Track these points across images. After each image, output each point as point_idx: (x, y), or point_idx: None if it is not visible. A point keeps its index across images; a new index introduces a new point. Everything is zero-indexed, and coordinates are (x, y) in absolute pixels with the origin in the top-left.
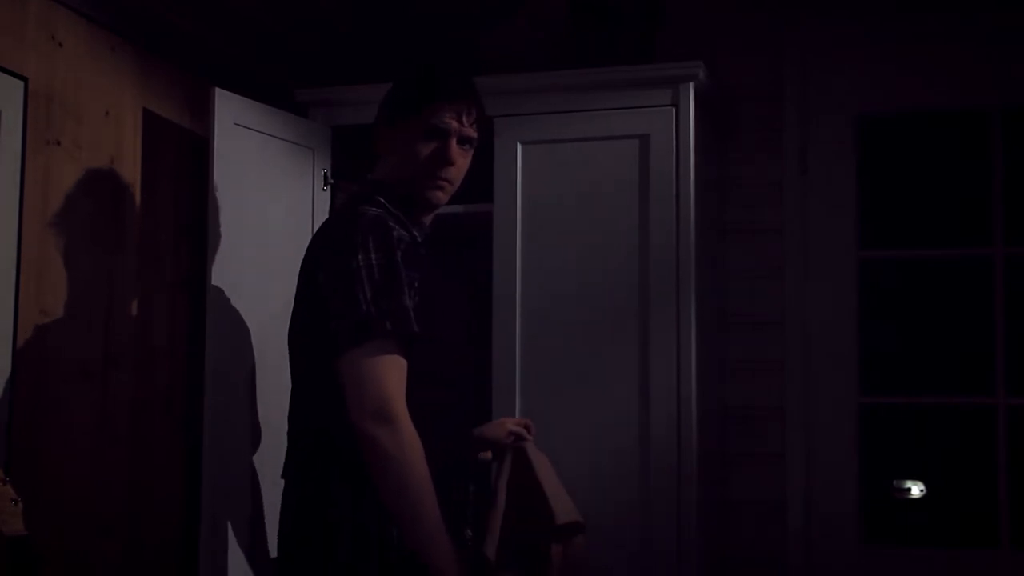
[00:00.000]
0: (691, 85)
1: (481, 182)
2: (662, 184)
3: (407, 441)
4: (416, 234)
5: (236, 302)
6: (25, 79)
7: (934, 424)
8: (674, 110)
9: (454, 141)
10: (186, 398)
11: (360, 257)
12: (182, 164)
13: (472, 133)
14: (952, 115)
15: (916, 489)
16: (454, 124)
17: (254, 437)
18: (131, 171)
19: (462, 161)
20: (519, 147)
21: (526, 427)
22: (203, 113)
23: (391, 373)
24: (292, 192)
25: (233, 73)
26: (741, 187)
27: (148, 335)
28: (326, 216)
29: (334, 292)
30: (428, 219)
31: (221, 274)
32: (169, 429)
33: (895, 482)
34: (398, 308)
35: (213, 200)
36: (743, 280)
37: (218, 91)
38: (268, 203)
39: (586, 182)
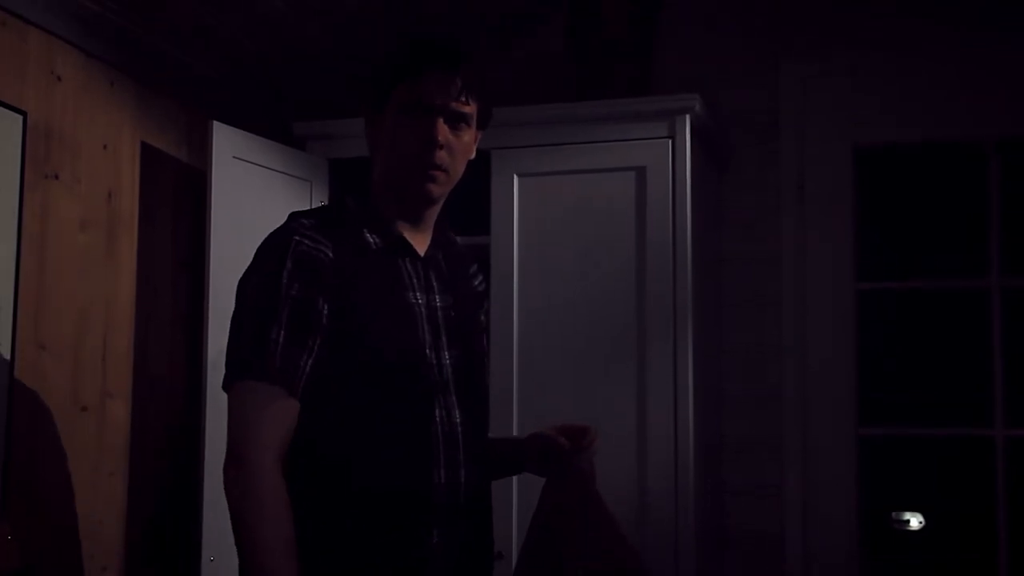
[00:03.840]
0: (687, 117)
1: (478, 215)
2: (659, 216)
3: (253, 492)
4: (373, 240)
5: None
6: (24, 113)
7: (933, 456)
8: (670, 142)
9: (441, 119)
10: (184, 431)
11: (250, 283)
12: (180, 197)
13: (464, 108)
14: (949, 146)
15: (915, 521)
16: (438, 98)
17: None
18: (129, 204)
19: (455, 142)
20: (516, 180)
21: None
22: (201, 146)
23: (253, 414)
24: None
25: (231, 106)
26: (738, 218)
27: (146, 368)
28: None
29: (231, 322)
30: (428, 217)
31: (219, 307)
32: (167, 462)
33: (894, 514)
34: (268, 345)
35: (211, 233)
36: (741, 310)
37: (216, 124)
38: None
39: (583, 214)
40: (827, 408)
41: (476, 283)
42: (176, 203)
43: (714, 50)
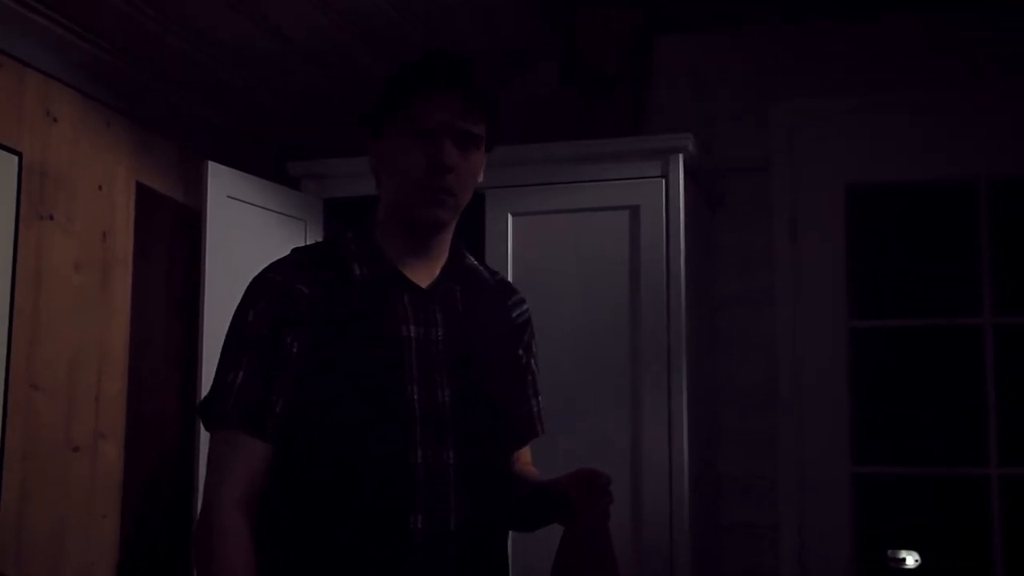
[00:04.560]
0: (680, 157)
1: (472, 254)
2: (652, 254)
3: (211, 535)
4: (361, 272)
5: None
6: (19, 153)
7: (928, 494)
8: (664, 181)
9: (448, 140)
10: (178, 472)
11: (230, 327)
12: (175, 236)
13: (472, 127)
14: (940, 185)
15: (911, 559)
16: (444, 118)
17: None
18: (123, 244)
19: (463, 164)
20: (510, 218)
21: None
22: (196, 186)
23: (215, 461)
24: None
25: (226, 146)
26: (732, 256)
27: (139, 408)
28: None
29: None
30: (437, 245)
31: (213, 347)
32: (160, 504)
33: (890, 552)
34: (225, 389)
35: (205, 272)
36: (735, 348)
37: (211, 164)
38: None
39: (577, 253)
40: (822, 446)
41: (515, 315)
42: (171, 243)
43: (707, 90)
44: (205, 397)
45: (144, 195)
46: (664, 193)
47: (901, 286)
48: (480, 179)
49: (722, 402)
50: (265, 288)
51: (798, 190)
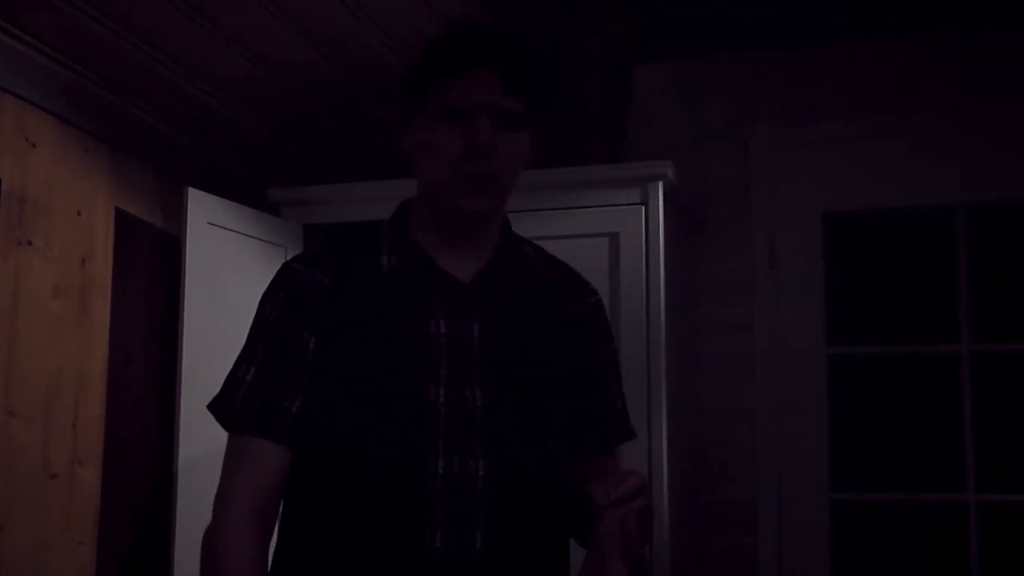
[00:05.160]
0: (660, 184)
1: None
2: (633, 281)
3: (215, 548)
4: (388, 263)
5: (207, 401)
6: None
7: (907, 520)
8: (643, 208)
9: (485, 119)
10: (156, 499)
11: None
12: (154, 262)
13: (512, 105)
14: (918, 212)
15: None
16: (479, 96)
17: None
18: (102, 270)
19: (504, 146)
20: None
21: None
22: (176, 211)
23: (225, 467)
24: (264, 290)
25: (206, 172)
26: (712, 283)
27: (117, 434)
28: None
29: None
30: (481, 237)
31: (193, 374)
32: (138, 531)
33: None
34: (237, 389)
35: (185, 298)
36: (714, 374)
37: (191, 190)
38: (241, 301)
39: None
40: (801, 472)
41: (577, 308)
42: (150, 269)
43: (687, 117)
44: (217, 394)
45: (123, 221)
46: (644, 220)
47: (879, 313)
48: (529, 159)
49: (702, 427)
50: (285, 278)
51: (777, 217)
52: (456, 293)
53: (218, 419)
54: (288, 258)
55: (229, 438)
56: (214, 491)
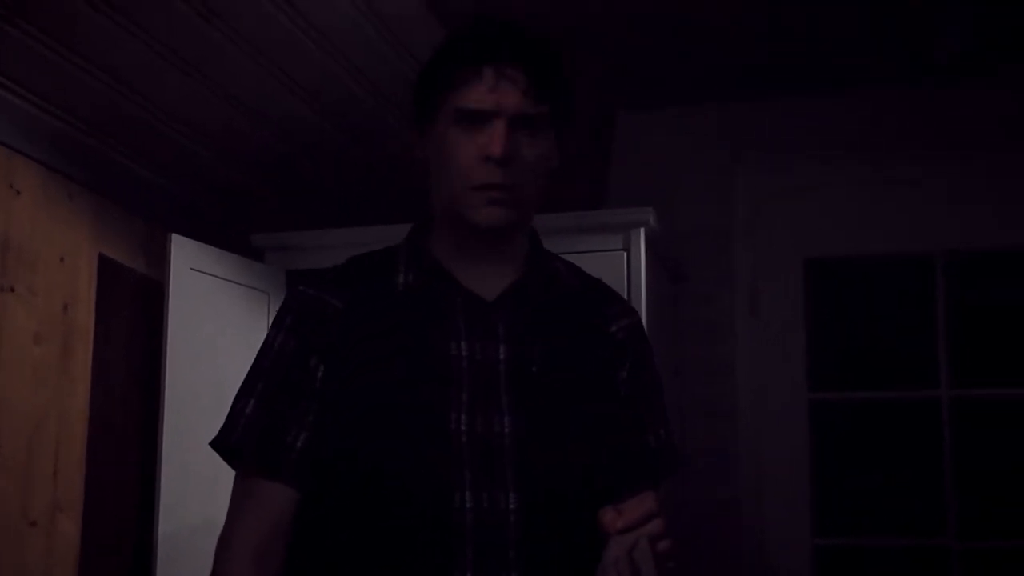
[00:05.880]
0: (642, 231)
1: None
2: None
3: None
4: (405, 280)
5: (190, 449)
6: None
7: (889, 565)
8: (625, 254)
9: (503, 123)
10: (135, 546)
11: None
12: (137, 309)
13: (532, 108)
14: (898, 259)
15: None
16: (496, 99)
17: None
18: (85, 317)
19: (525, 153)
20: None
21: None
22: (159, 257)
23: (233, 504)
24: (247, 336)
25: (190, 217)
26: (693, 328)
27: (99, 482)
28: None
29: None
30: (504, 252)
31: (176, 421)
32: None
33: None
34: (235, 419)
35: (168, 344)
36: (697, 419)
37: (174, 236)
38: (224, 347)
39: None
40: (783, 517)
41: (613, 329)
42: (133, 315)
43: (668, 164)
44: (219, 429)
45: (106, 267)
46: (626, 266)
47: (860, 358)
48: (555, 165)
49: (684, 473)
50: (292, 302)
51: (759, 263)
52: (479, 312)
53: (221, 456)
54: (271, 304)
55: (235, 475)
56: (196, 540)
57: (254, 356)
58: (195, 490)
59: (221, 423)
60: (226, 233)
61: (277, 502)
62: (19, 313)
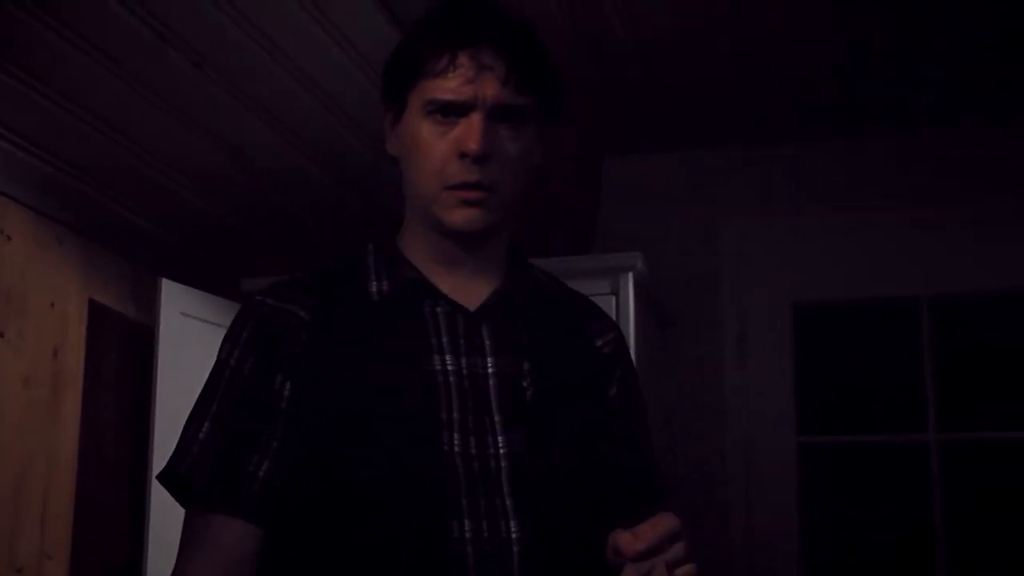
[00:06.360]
0: (630, 275)
1: None
2: None
3: None
4: (379, 289)
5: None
6: None
7: None
8: (614, 299)
9: (480, 115)
10: None
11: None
12: (127, 353)
13: (515, 98)
14: (885, 303)
15: None
16: (470, 89)
17: None
18: (74, 361)
19: (505, 148)
20: None
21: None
22: (149, 302)
23: (184, 546)
24: None
25: (180, 262)
26: (682, 373)
27: (86, 528)
28: None
29: None
30: (482, 256)
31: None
32: None
33: None
34: (187, 447)
35: (157, 389)
36: (686, 464)
37: (164, 281)
38: None
39: None
40: (773, 562)
41: (599, 343)
42: (122, 359)
43: (656, 208)
44: (168, 460)
45: (96, 312)
46: (615, 311)
47: (848, 402)
48: (537, 162)
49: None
50: (250, 313)
51: (746, 307)
52: (462, 323)
53: (169, 491)
54: None
55: (186, 514)
56: None
57: None
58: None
59: None
60: (216, 278)
61: (236, 542)
62: (8, 357)
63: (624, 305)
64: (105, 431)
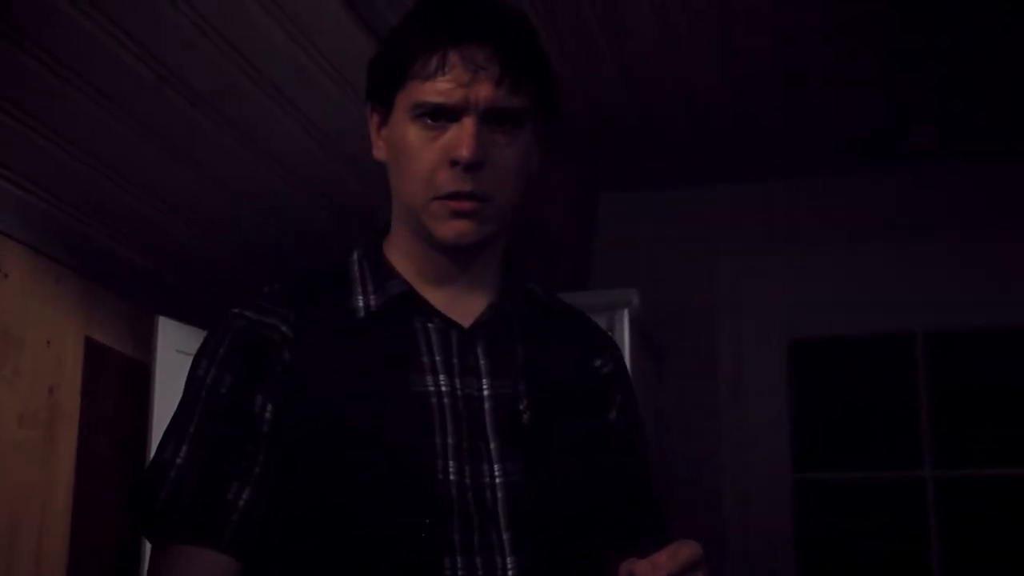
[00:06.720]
0: (626, 311)
1: None
2: None
3: None
4: (365, 303)
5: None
6: None
7: None
8: (610, 335)
9: (473, 120)
10: None
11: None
12: (123, 391)
13: (509, 101)
14: (880, 339)
15: None
16: (461, 91)
17: None
18: (70, 399)
19: (499, 153)
20: None
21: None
22: (146, 339)
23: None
24: None
25: (176, 300)
26: (677, 409)
27: (80, 566)
28: None
29: None
30: (475, 270)
31: None
32: None
33: None
34: (163, 472)
35: (153, 427)
36: (681, 502)
37: (161, 319)
38: None
39: None
40: None
41: (598, 364)
42: (119, 397)
43: (652, 245)
44: (133, 485)
45: (93, 349)
46: None
47: (845, 439)
48: (534, 170)
49: None
50: (228, 330)
51: (742, 343)
52: (452, 338)
53: (138, 524)
54: None
55: (153, 548)
56: None
57: None
58: None
59: None
60: (212, 315)
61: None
62: (4, 395)
63: (619, 342)
64: (100, 469)
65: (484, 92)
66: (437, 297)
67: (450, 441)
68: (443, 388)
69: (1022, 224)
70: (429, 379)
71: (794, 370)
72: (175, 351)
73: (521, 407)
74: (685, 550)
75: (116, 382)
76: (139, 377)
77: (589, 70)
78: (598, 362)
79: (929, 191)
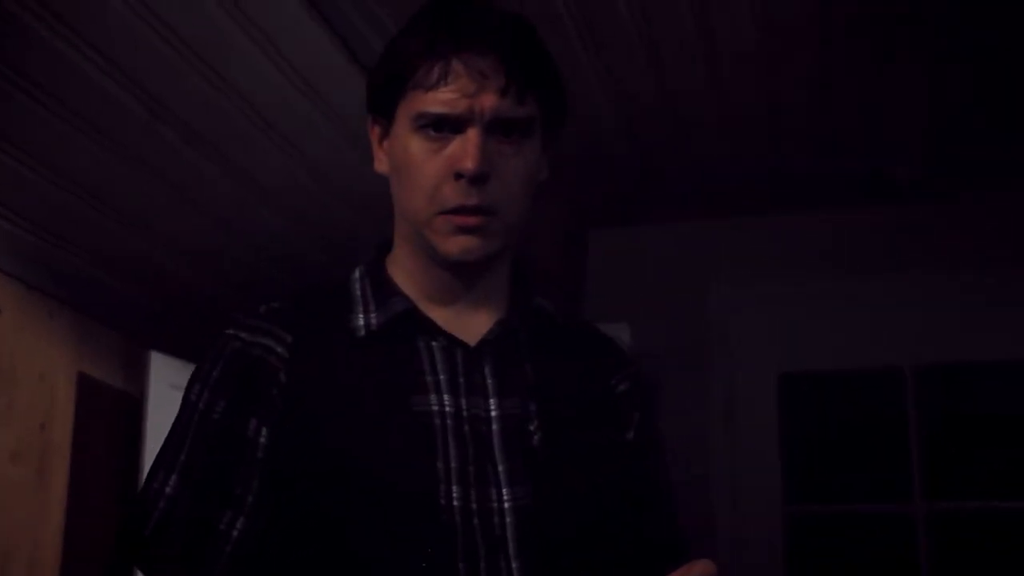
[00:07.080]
0: None
1: None
2: None
3: None
4: (366, 322)
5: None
6: None
7: None
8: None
9: (477, 130)
10: None
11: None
12: (115, 426)
13: (515, 110)
14: (869, 373)
15: None
16: (465, 101)
17: None
18: (62, 434)
19: (506, 164)
20: None
21: None
22: (139, 374)
23: None
24: None
25: (168, 333)
26: (668, 443)
27: None
28: None
29: None
30: (482, 286)
31: None
32: None
33: None
34: (152, 501)
35: (145, 462)
36: None
37: (153, 354)
38: None
39: None
40: None
41: (613, 382)
42: (111, 432)
43: (642, 279)
44: (121, 515)
45: (85, 384)
46: None
47: (835, 472)
48: (543, 178)
49: None
50: (221, 352)
51: (733, 377)
52: (462, 359)
53: (125, 555)
54: None
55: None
56: None
57: None
58: None
59: None
60: (205, 350)
61: None
62: None
63: None
64: (92, 504)
65: (489, 102)
66: (442, 315)
67: (453, 464)
68: (447, 408)
69: (1011, 257)
70: (432, 399)
71: (785, 403)
72: (168, 386)
73: (531, 427)
74: (698, 568)
75: (108, 417)
76: (131, 412)
77: (580, 107)
78: (614, 380)
79: (918, 225)
